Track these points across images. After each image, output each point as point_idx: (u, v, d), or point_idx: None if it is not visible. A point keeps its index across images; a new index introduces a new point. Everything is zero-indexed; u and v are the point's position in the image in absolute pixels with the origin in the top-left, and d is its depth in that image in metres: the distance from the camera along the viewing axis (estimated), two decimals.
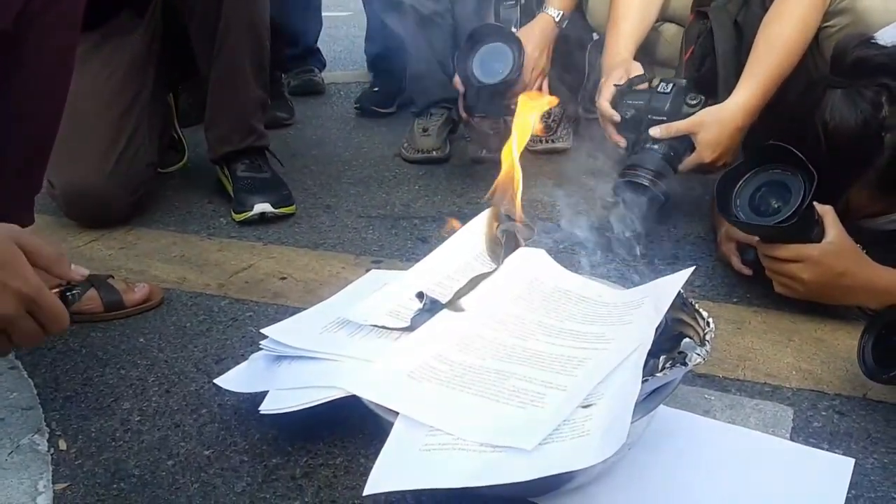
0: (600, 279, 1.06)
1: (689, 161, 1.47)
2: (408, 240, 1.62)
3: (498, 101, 1.77)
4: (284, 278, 1.46)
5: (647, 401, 0.80)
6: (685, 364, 0.79)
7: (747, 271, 1.34)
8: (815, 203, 1.17)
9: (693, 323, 0.88)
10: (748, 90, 1.43)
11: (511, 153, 1.06)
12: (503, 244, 1.06)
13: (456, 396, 0.81)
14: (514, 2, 1.86)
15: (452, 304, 0.94)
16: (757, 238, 1.26)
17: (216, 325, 1.29)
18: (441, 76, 2.04)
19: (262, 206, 1.69)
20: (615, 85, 1.53)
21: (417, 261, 1.12)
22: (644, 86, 1.53)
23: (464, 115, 1.88)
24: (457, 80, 1.85)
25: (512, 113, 1.39)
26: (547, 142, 2.12)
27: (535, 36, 1.81)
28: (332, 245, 1.60)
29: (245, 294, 1.40)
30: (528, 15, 1.95)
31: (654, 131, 1.47)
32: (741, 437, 0.98)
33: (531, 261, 1.03)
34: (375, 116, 2.53)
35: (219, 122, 1.76)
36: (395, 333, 0.94)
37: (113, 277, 1.35)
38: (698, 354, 0.80)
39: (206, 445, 1.00)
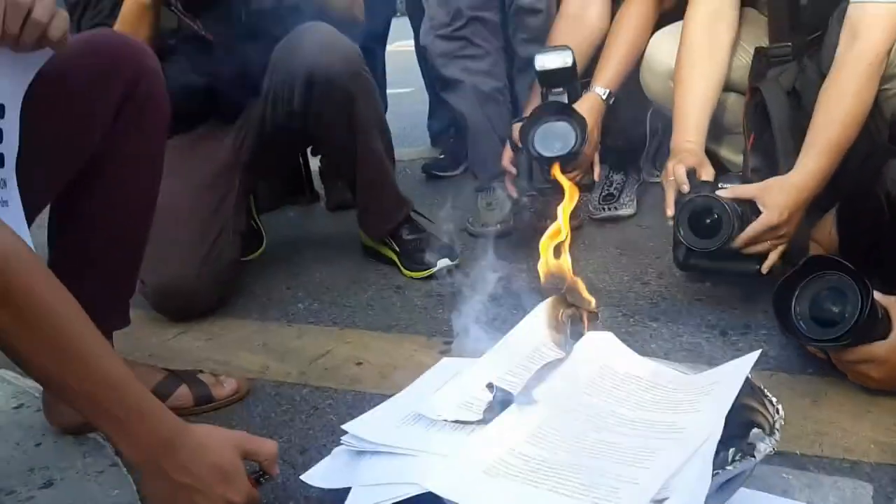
0: (669, 361, 1.08)
1: (756, 224, 1.45)
2: (476, 322, 1.66)
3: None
4: (360, 363, 1.51)
5: (719, 493, 0.82)
6: (754, 456, 0.80)
7: (822, 354, 1.34)
8: (877, 296, 1.17)
9: (762, 409, 0.89)
10: (810, 161, 1.43)
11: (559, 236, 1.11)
12: (568, 330, 1.09)
13: (530, 493, 0.84)
14: (561, 89, 1.87)
15: (524, 394, 0.98)
16: None
17: (298, 415, 1.35)
18: (501, 151, 2.11)
19: (444, 262, 1.85)
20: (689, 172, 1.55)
21: (488, 340, 1.16)
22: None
23: (512, 192, 1.95)
24: (506, 157, 1.93)
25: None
26: (610, 209, 2.15)
27: (587, 115, 1.84)
28: (405, 327, 1.66)
29: (324, 381, 1.45)
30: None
31: (724, 192, 1.48)
32: None
33: (600, 346, 1.05)
34: (442, 181, 2.68)
35: (374, 208, 1.95)
36: (470, 426, 0.98)
37: (202, 372, 1.42)
38: (767, 445, 0.81)
39: None
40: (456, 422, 0.98)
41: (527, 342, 1.12)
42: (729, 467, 0.80)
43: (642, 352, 1.11)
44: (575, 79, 1.88)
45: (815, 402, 1.25)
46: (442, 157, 2.80)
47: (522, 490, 0.85)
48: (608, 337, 1.07)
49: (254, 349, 1.62)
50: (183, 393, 1.37)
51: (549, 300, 1.13)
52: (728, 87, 1.77)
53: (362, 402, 1.34)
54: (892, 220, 1.19)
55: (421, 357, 1.50)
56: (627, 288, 1.74)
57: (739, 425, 0.88)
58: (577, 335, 1.11)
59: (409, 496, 0.91)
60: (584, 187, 1.90)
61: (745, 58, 1.75)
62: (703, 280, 1.70)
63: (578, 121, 1.79)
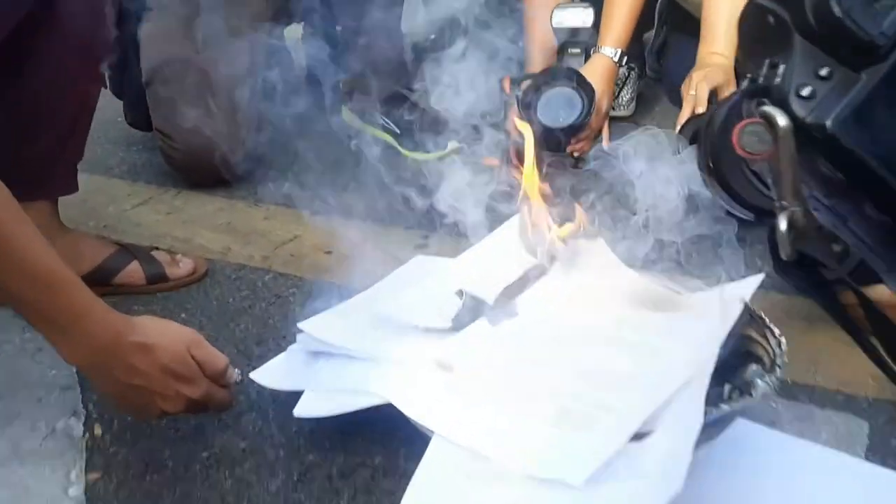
0: (659, 273, 0.97)
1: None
2: (462, 213, 1.54)
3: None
4: (329, 252, 1.41)
5: (705, 431, 0.73)
6: (751, 395, 0.71)
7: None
8: None
9: (762, 341, 0.80)
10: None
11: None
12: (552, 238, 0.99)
13: (499, 416, 0.75)
14: (579, 50, 1.67)
15: (498, 304, 0.88)
16: None
17: (259, 302, 1.26)
18: None
19: (454, 144, 1.69)
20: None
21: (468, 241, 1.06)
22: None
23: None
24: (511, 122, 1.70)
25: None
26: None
27: (597, 80, 1.64)
28: (381, 217, 1.55)
29: (289, 268, 1.36)
30: None
31: None
32: (811, 454, 0.91)
33: (587, 256, 0.95)
34: None
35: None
36: (439, 334, 0.89)
37: (157, 249, 1.32)
38: (767, 384, 0.72)
39: (242, 436, 0.97)
40: (423, 328, 0.89)
41: (505, 247, 1.01)
42: (724, 405, 0.71)
43: (629, 259, 1.01)
44: (593, 40, 1.69)
45: (810, 326, 1.15)
46: None
47: (490, 412, 0.76)
48: (598, 244, 0.97)
49: (217, 228, 1.51)
50: (134, 269, 1.27)
51: (532, 208, 1.02)
52: None
53: (328, 293, 1.23)
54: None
55: (395, 250, 1.39)
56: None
57: (735, 356, 0.79)
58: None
59: (364, 407, 0.82)
60: (577, 161, 1.70)
61: None
62: None
63: (586, 89, 1.60)
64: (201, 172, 1.64)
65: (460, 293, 0.89)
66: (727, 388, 0.73)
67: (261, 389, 1.04)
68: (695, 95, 1.39)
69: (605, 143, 1.70)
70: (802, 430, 0.95)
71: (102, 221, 1.51)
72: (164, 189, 1.67)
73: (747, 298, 0.80)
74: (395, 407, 0.80)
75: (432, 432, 0.75)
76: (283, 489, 0.89)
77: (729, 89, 1.42)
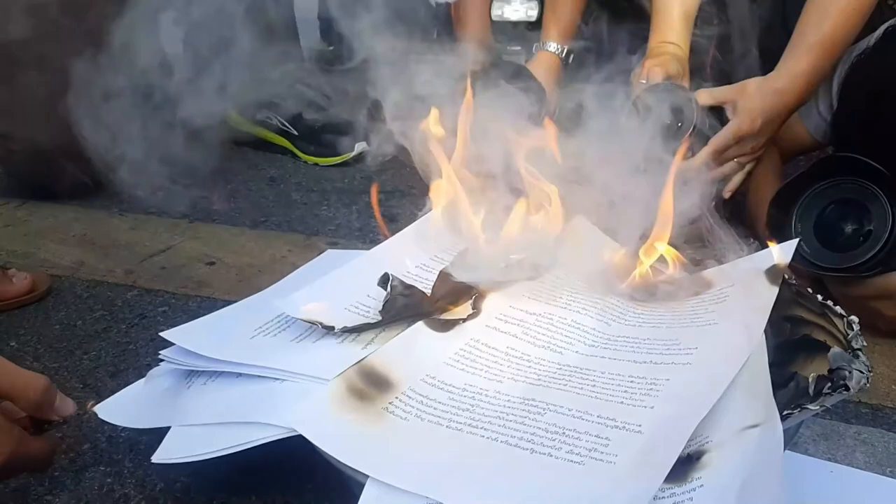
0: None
1: (723, 133, 1.15)
2: (371, 218, 1.30)
3: None
4: (213, 263, 1.14)
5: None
6: (846, 387, 0.49)
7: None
8: None
9: (822, 322, 0.58)
10: (797, 67, 1.13)
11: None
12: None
13: (463, 445, 0.50)
14: (519, 48, 1.51)
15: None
16: None
17: (117, 325, 0.97)
18: None
19: (361, 145, 1.54)
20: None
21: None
22: None
23: None
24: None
25: None
26: None
27: (543, 79, 1.44)
28: (277, 224, 1.29)
29: (159, 283, 1.07)
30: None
31: (702, 95, 1.17)
32: (854, 481, 0.70)
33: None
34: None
35: None
36: (366, 336, 0.63)
37: None
38: (861, 372, 0.50)
39: (85, 501, 0.68)
40: (340, 330, 0.63)
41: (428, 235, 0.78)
42: (812, 406, 0.48)
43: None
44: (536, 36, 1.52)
45: None
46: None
47: (448, 441, 0.51)
48: (582, 222, 0.75)
49: (67, 240, 1.21)
50: None
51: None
52: None
53: (210, 311, 0.97)
54: None
55: (295, 258, 1.14)
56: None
57: (786, 346, 0.57)
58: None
59: (259, 443, 0.55)
60: None
61: None
62: None
63: (535, 88, 1.40)
64: (46, 178, 1.33)
65: (385, 279, 0.64)
66: (813, 378, 0.50)
67: (113, 434, 0.76)
68: (646, 83, 1.22)
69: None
70: (832, 450, 0.74)
71: None
72: (4, 201, 1.36)
73: (784, 269, 0.58)
74: (305, 440, 0.54)
75: (365, 476, 0.50)
76: None
77: (683, 80, 1.26)
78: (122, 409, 0.68)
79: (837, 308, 0.58)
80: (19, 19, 1.34)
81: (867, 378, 0.51)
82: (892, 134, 0.98)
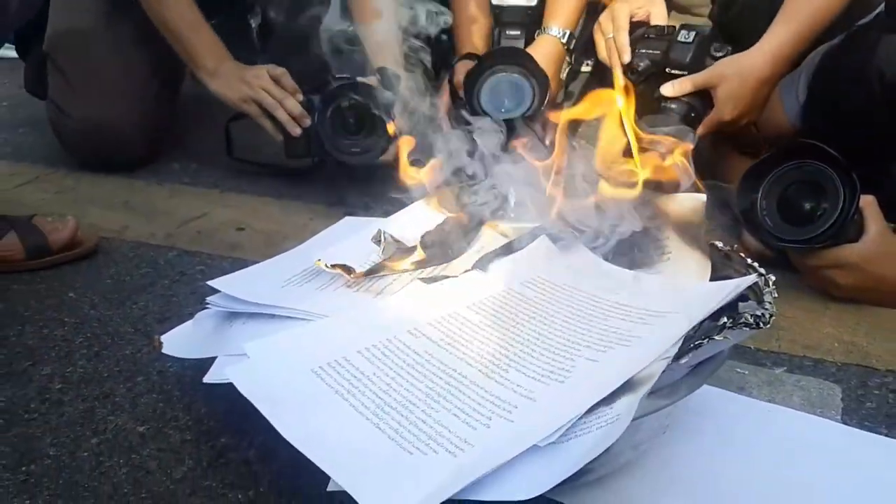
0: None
1: (707, 120, 1.24)
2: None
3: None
4: (242, 229, 1.27)
5: (694, 374, 0.64)
6: (752, 326, 0.62)
7: (768, 253, 1.18)
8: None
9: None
10: (777, 37, 1.20)
11: None
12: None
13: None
14: (518, 32, 1.50)
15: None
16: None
17: (161, 280, 1.10)
18: None
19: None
20: (634, 22, 1.32)
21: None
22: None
23: None
24: (443, 106, 1.50)
25: None
26: None
27: (544, 64, 1.43)
28: (300, 195, 1.42)
29: (196, 245, 1.21)
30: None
31: (666, 89, 1.24)
32: (787, 420, 0.82)
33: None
34: None
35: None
36: (377, 286, 0.77)
37: (36, 216, 1.14)
38: (765, 311, 0.63)
39: (141, 421, 0.82)
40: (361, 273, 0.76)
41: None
42: (717, 337, 0.61)
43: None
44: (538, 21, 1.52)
45: None
46: None
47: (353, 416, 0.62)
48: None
49: (112, 206, 1.34)
50: (10, 242, 1.09)
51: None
52: None
53: (242, 269, 1.10)
54: (886, 107, 1.02)
55: (316, 226, 1.27)
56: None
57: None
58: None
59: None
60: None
61: None
62: None
63: (537, 75, 1.39)
64: (95, 150, 1.47)
65: (379, 235, 0.77)
66: (724, 319, 0.63)
67: (163, 369, 0.90)
68: (612, 39, 1.32)
69: (546, 139, 1.55)
70: (773, 395, 0.87)
71: None
72: (54, 169, 1.50)
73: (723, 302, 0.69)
74: None
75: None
76: (190, 475, 0.74)
77: (655, 11, 1.34)
78: (175, 343, 0.82)
79: (760, 268, 0.71)
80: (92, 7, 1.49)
81: (766, 321, 0.63)
82: (851, 128, 1.09)
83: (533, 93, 1.39)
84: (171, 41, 1.45)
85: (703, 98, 1.25)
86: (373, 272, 0.78)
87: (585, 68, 1.92)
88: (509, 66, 1.39)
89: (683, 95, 1.25)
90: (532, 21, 1.51)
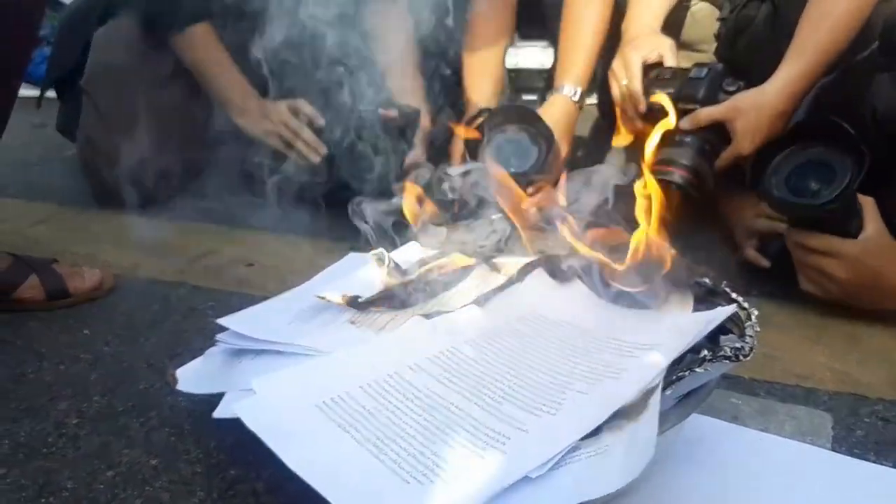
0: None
1: (725, 154, 1.26)
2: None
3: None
4: (251, 265, 1.31)
5: (681, 405, 0.66)
6: (732, 358, 0.65)
7: (765, 262, 1.21)
8: (857, 193, 1.05)
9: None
10: (791, 71, 1.23)
11: None
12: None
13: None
14: (535, 97, 1.50)
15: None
16: (786, 227, 1.13)
17: (172, 316, 1.14)
18: None
19: None
20: (647, 65, 1.34)
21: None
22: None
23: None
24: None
25: None
26: None
27: (555, 123, 1.42)
28: (307, 230, 1.45)
29: (206, 281, 1.25)
30: None
31: (683, 123, 1.27)
32: (779, 448, 0.85)
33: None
34: None
35: None
36: (378, 323, 0.80)
37: (57, 262, 1.19)
38: (746, 343, 0.66)
39: (154, 454, 0.85)
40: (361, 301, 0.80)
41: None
42: (699, 369, 0.64)
43: None
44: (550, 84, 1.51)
45: (762, 325, 1.11)
46: None
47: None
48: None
49: (124, 244, 1.39)
50: (32, 285, 1.14)
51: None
52: None
53: (250, 305, 1.14)
54: (877, 140, 1.05)
55: (322, 261, 1.29)
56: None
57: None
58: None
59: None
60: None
61: None
62: None
63: (543, 132, 1.38)
64: (122, 186, 1.51)
65: (381, 257, 0.81)
66: (705, 352, 0.66)
67: (174, 404, 0.93)
68: (626, 86, 1.35)
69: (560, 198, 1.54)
70: (766, 424, 0.90)
71: None
72: (67, 208, 1.54)
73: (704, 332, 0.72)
74: None
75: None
76: None
77: (667, 55, 1.37)
78: (188, 379, 0.85)
79: (744, 303, 0.74)
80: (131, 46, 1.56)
81: (745, 353, 0.66)
82: None
83: (539, 150, 1.38)
84: (199, 81, 1.53)
85: (717, 132, 1.28)
86: (371, 301, 0.82)
87: (591, 100, 1.97)
88: (514, 124, 1.39)
89: (699, 129, 1.27)
90: (548, 85, 1.49)
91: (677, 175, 1.25)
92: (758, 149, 1.11)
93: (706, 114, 1.27)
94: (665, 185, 1.23)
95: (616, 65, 1.39)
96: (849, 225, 1.06)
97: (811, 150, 1.07)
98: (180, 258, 1.33)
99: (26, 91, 2.43)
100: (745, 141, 1.24)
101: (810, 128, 1.09)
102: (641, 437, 0.61)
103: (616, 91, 1.38)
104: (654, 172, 1.13)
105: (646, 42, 1.37)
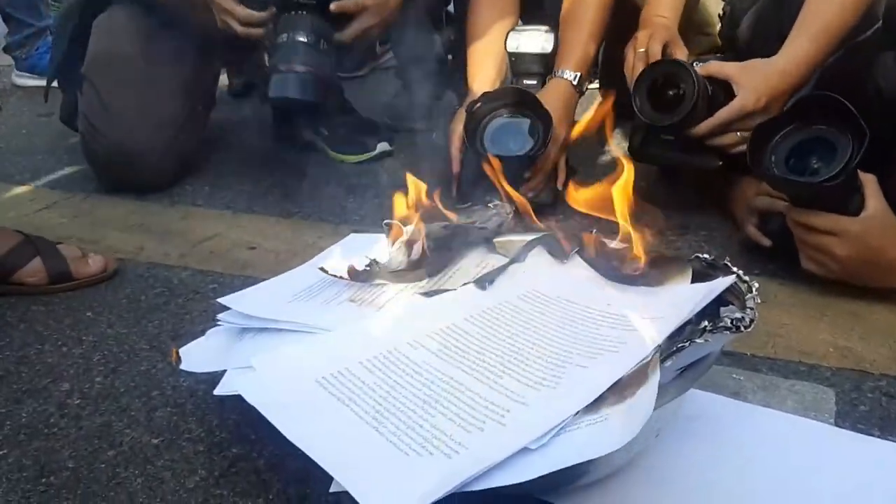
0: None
1: (728, 108, 1.24)
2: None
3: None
4: (254, 248, 1.31)
5: (681, 378, 0.66)
6: (732, 329, 0.64)
7: (766, 241, 1.20)
8: (858, 170, 1.04)
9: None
10: (797, 47, 1.22)
11: None
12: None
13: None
14: (535, 82, 1.47)
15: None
16: (786, 204, 1.12)
17: (175, 299, 1.14)
18: None
19: (383, 145, 1.74)
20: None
21: None
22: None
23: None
24: (455, 163, 1.46)
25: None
26: None
27: (554, 106, 1.40)
28: (309, 214, 1.45)
29: (209, 265, 1.25)
30: None
31: (713, 66, 1.27)
32: (780, 423, 0.85)
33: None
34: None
35: None
36: (379, 301, 0.80)
37: (61, 243, 1.19)
38: (746, 315, 0.66)
39: (155, 433, 0.85)
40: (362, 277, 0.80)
41: None
42: (698, 340, 0.64)
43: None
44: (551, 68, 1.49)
45: (765, 302, 1.08)
46: None
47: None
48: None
49: (128, 229, 1.39)
50: (36, 268, 1.14)
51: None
52: None
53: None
54: (882, 119, 1.04)
55: (324, 244, 1.29)
56: None
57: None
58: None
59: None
60: (541, 203, 1.39)
61: None
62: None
63: (541, 116, 1.36)
64: (124, 171, 1.52)
65: (371, 264, 0.81)
66: (705, 323, 0.65)
67: (176, 384, 0.93)
68: (645, 52, 1.35)
69: (559, 182, 1.45)
70: (768, 399, 0.89)
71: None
72: (71, 194, 1.55)
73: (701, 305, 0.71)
74: None
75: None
76: (202, 485, 0.78)
77: (678, 48, 1.37)
78: (190, 358, 0.85)
79: (744, 276, 0.74)
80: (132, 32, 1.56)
81: (746, 325, 0.66)
82: None
83: (536, 133, 1.37)
84: None
85: (725, 90, 1.26)
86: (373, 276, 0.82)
87: (593, 85, 1.96)
88: (512, 107, 1.39)
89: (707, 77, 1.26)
90: (548, 69, 1.49)
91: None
92: (756, 126, 1.10)
93: (717, 65, 1.27)
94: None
95: (641, 34, 1.38)
96: (850, 203, 1.06)
97: (811, 127, 1.06)
98: (183, 242, 1.33)
99: (32, 81, 2.45)
100: (751, 96, 1.23)
101: (810, 105, 1.08)
102: (640, 402, 0.60)
103: (631, 57, 1.37)
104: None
105: (661, 32, 1.37)
